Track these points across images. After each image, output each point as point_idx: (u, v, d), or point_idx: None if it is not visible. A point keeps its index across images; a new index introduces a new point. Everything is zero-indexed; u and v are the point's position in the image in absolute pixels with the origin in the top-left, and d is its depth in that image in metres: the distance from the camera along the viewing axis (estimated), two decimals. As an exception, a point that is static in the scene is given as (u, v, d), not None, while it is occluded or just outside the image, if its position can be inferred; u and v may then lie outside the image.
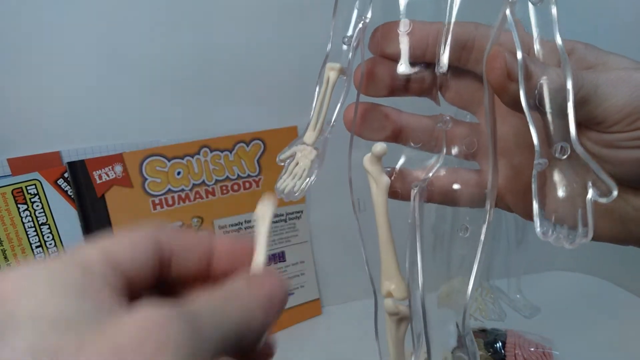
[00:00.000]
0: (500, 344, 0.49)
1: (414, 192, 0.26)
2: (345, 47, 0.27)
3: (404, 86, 0.27)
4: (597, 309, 0.58)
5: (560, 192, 0.20)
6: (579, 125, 0.20)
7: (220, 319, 0.16)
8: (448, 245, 0.27)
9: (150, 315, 0.15)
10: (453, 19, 0.24)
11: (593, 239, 0.25)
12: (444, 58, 0.25)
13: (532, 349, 0.49)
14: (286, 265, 0.61)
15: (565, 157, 0.20)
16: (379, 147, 0.26)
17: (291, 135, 0.57)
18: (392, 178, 0.27)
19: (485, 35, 0.24)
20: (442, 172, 0.27)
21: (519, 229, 0.58)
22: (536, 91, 0.21)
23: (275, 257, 0.60)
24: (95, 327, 0.15)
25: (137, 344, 0.14)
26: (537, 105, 0.21)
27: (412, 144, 0.28)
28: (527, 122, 0.24)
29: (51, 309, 0.15)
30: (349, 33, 0.27)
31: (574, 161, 0.20)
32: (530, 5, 0.21)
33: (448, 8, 0.25)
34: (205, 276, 0.20)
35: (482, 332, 0.52)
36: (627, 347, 0.51)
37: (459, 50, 0.25)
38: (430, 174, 0.27)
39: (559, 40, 0.21)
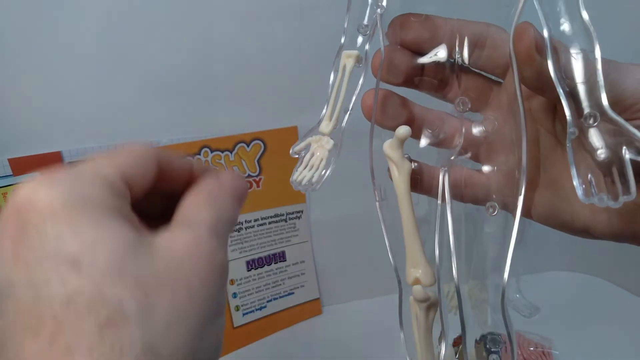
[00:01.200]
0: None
1: (442, 171, 0.26)
2: (360, 36, 0.27)
3: (419, 77, 0.27)
4: (597, 309, 0.58)
5: (595, 157, 0.20)
6: (578, 106, 0.21)
7: (219, 222, 0.19)
8: (476, 225, 0.27)
9: (195, 242, 0.17)
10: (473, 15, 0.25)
11: (591, 236, 0.25)
12: (463, 52, 0.25)
13: (532, 349, 0.49)
14: (286, 265, 0.61)
15: (595, 124, 0.20)
16: (403, 130, 0.25)
17: (291, 135, 0.57)
18: (413, 166, 0.27)
19: (498, 34, 0.25)
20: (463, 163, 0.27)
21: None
22: (561, 64, 0.21)
23: (275, 257, 0.60)
24: (146, 264, 0.16)
25: (192, 274, 0.16)
26: (563, 78, 0.21)
27: (426, 134, 0.27)
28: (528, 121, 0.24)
29: (100, 244, 0.15)
30: (365, 22, 0.27)
31: (603, 128, 0.20)
32: None
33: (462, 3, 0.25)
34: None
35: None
36: (627, 347, 0.51)
37: (471, 47, 0.25)
38: (453, 157, 0.27)
39: (585, 15, 0.21)
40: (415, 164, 0.27)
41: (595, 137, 0.20)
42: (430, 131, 0.27)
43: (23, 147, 0.47)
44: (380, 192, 0.27)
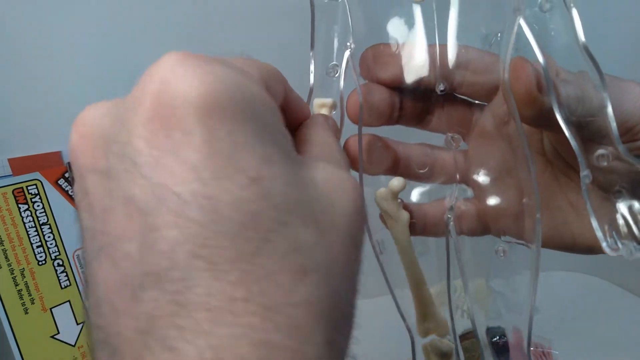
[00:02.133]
0: (499, 343, 0.49)
1: (449, 220, 0.24)
2: (331, 78, 0.25)
3: (398, 112, 0.25)
4: (597, 309, 0.58)
5: (612, 199, 0.19)
6: (586, 142, 0.19)
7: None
8: (487, 270, 0.25)
9: (350, 183, 0.15)
10: (450, 39, 0.23)
11: (595, 253, 0.24)
12: (445, 80, 0.24)
13: (532, 349, 0.49)
14: (286, 265, 0.61)
15: (606, 164, 0.19)
16: (397, 182, 0.24)
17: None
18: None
19: (479, 59, 0.23)
20: (463, 200, 0.25)
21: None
22: (562, 99, 0.19)
23: (276, 257, 0.60)
24: (314, 199, 0.13)
25: (350, 221, 0.14)
26: (567, 115, 0.19)
27: (415, 174, 0.26)
28: (514, 146, 0.23)
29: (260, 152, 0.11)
30: (334, 62, 0.25)
31: (615, 167, 0.19)
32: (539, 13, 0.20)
33: (437, 29, 0.24)
34: None
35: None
36: (627, 347, 0.51)
37: (452, 72, 0.24)
38: (454, 201, 0.25)
39: (581, 36, 0.19)
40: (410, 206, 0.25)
41: (610, 178, 0.19)
42: (419, 170, 0.26)
43: (23, 147, 0.47)
44: (378, 245, 0.25)
